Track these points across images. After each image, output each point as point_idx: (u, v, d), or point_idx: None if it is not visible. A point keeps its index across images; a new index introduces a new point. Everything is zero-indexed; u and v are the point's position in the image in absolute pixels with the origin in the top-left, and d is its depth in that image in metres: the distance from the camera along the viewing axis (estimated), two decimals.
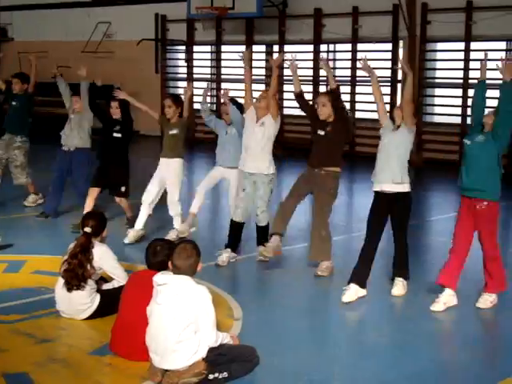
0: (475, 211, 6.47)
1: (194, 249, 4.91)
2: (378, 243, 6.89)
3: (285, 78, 18.35)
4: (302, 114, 8.02)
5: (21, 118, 10.47)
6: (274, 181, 7.86)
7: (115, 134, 9.01)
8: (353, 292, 6.72)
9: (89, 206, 8.84)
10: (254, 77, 18.58)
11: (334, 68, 18.03)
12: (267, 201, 7.84)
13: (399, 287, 6.89)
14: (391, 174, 6.73)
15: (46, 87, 20.86)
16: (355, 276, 6.81)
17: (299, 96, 7.83)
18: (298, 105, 7.83)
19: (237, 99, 8.62)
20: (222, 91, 8.72)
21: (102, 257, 5.98)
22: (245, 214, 7.94)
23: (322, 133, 7.45)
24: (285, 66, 18.29)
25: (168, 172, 8.64)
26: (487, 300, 6.60)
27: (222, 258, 7.83)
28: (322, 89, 17.83)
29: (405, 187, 6.81)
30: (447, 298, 6.54)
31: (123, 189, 9.08)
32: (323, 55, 6.89)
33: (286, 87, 18.34)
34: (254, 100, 7.97)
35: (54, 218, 9.74)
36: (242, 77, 19.12)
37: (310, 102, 8.08)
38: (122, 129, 8.99)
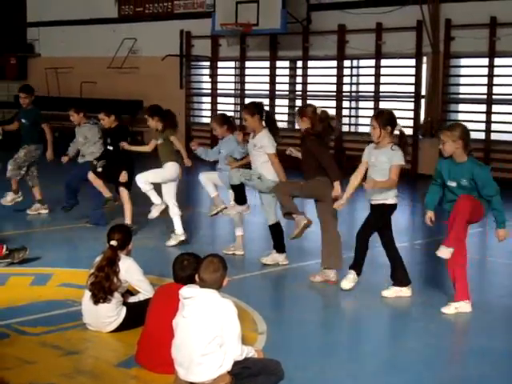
0: None
1: (220, 262, 4.95)
2: None
3: (308, 93, 18.43)
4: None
5: (30, 134, 10.94)
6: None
7: (108, 147, 9.75)
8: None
9: (103, 188, 9.76)
10: (277, 92, 18.87)
11: (358, 83, 18.10)
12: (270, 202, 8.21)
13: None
14: None
15: (71, 103, 21.17)
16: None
17: None
18: None
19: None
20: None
21: (128, 270, 6.04)
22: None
23: None
24: (309, 81, 18.42)
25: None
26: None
27: (267, 258, 8.42)
28: (346, 104, 17.89)
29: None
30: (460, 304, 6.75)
31: (99, 169, 9.66)
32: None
33: (309, 102, 18.35)
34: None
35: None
36: (266, 92, 19.35)
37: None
38: (112, 141, 9.67)
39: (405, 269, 7.26)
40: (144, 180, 9.07)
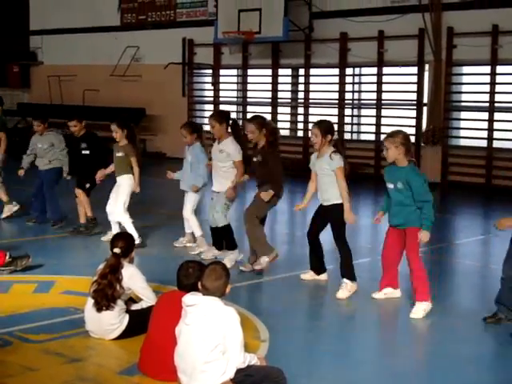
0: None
1: (223, 270, 4.97)
2: None
3: (310, 101, 18.46)
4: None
5: None
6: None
7: (83, 152, 10.04)
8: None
9: (88, 208, 10.13)
10: (279, 100, 18.92)
11: (360, 91, 18.14)
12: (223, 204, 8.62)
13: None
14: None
15: (73, 110, 21.21)
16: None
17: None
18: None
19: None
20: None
21: (131, 277, 6.06)
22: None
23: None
24: (311, 89, 18.45)
25: (117, 187, 9.56)
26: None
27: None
28: (348, 112, 17.92)
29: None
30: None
31: (87, 185, 10.02)
32: None
33: (311, 110, 18.43)
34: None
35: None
36: (268, 100, 19.48)
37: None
38: (88, 146, 10.02)
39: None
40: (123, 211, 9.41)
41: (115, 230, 9.40)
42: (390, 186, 7.03)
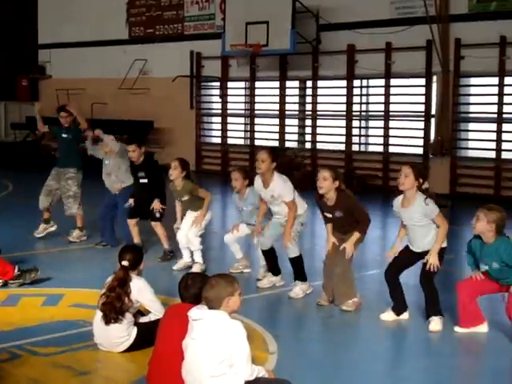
0: None
1: (221, 279, 4.91)
2: None
3: (318, 113, 18.46)
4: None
5: (73, 151, 10.70)
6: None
7: (141, 180, 9.42)
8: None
9: (136, 235, 9.54)
10: (287, 112, 18.94)
11: (368, 103, 18.15)
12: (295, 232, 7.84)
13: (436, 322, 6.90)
14: None
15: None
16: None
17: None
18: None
19: None
20: None
21: (140, 290, 6.06)
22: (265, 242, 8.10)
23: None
24: (318, 101, 18.46)
25: (191, 217, 8.90)
26: None
27: (263, 282, 8.33)
28: (355, 123, 17.92)
29: None
30: None
31: (158, 214, 9.33)
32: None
33: (319, 122, 18.44)
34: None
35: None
36: (276, 112, 19.31)
37: None
38: (147, 174, 9.35)
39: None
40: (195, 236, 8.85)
41: (186, 257, 8.96)
42: (484, 267, 6.49)
